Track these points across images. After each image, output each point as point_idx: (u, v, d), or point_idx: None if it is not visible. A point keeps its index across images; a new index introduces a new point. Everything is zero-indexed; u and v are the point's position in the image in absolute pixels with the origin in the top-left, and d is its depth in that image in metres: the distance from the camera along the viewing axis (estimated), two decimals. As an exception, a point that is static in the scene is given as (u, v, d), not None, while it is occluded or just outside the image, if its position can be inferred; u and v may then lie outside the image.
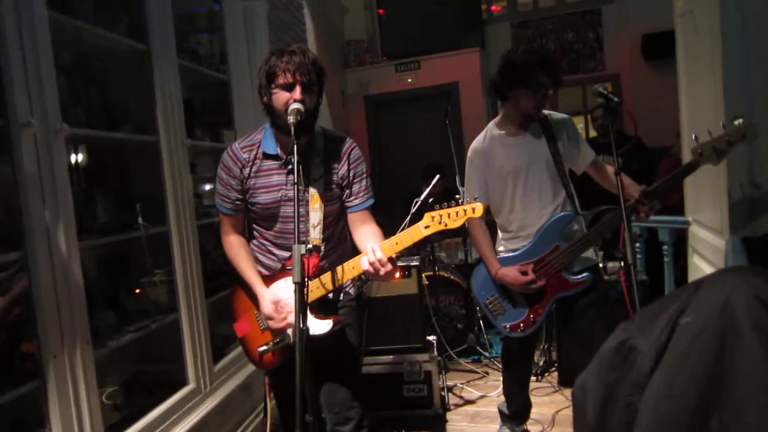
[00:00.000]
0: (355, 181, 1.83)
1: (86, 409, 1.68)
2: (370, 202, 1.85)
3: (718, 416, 0.91)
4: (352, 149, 1.85)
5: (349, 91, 5.68)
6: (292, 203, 1.61)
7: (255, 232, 1.92)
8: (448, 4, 5.46)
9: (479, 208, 1.55)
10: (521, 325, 2.21)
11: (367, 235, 1.79)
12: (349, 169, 1.82)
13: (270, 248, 1.88)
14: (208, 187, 3.33)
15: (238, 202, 1.86)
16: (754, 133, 1.81)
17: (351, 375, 1.89)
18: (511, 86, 2.09)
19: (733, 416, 0.88)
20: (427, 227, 1.59)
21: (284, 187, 1.78)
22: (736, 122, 1.80)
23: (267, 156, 1.80)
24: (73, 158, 2.30)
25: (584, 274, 2.13)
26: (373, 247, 1.61)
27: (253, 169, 1.81)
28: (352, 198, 1.83)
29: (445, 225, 1.57)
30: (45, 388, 1.58)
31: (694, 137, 1.87)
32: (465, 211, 1.55)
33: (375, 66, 5.64)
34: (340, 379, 1.82)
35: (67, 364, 1.64)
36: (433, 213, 1.58)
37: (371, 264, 1.60)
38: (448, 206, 1.57)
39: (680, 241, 3.17)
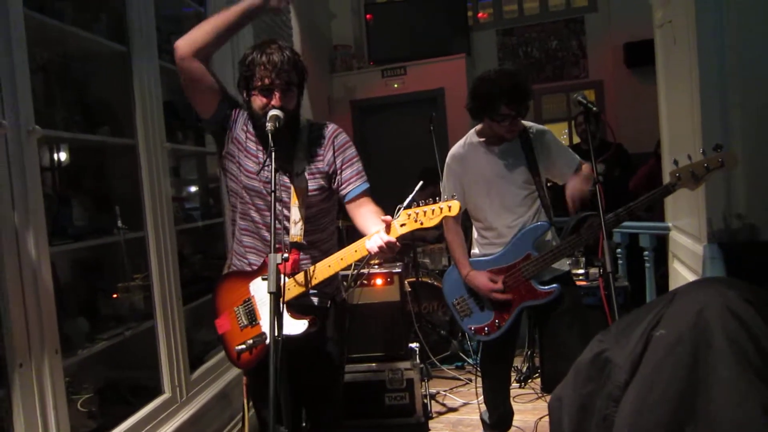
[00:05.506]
0: (345, 166, 1.74)
1: (53, 420, 1.62)
2: (366, 186, 1.75)
3: (692, 430, 0.90)
4: (337, 134, 1.75)
5: (335, 95, 5.66)
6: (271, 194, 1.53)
7: (237, 231, 1.84)
8: (435, 10, 5.47)
9: (455, 206, 1.50)
10: (485, 328, 2.24)
11: (366, 215, 1.70)
12: (335, 155, 1.73)
13: (257, 244, 1.80)
14: (193, 189, 3.28)
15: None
16: (733, 163, 1.78)
17: (334, 391, 1.88)
18: (479, 115, 2.13)
19: (708, 430, 0.88)
20: (402, 225, 1.55)
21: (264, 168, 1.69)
22: (716, 150, 1.76)
23: (251, 140, 1.73)
24: (49, 160, 2.26)
25: (552, 285, 2.14)
26: (378, 233, 1.55)
27: (242, 136, 1.73)
28: (345, 185, 1.73)
29: (421, 223, 1.53)
30: (9, 398, 1.53)
31: (673, 161, 1.86)
32: (441, 209, 1.51)
33: (361, 71, 5.62)
34: (323, 396, 1.82)
35: (34, 373, 1.58)
36: (409, 211, 1.54)
37: (379, 247, 1.53)
38: (425, 204, 1.53)
39: (661, 246, 3.20)
